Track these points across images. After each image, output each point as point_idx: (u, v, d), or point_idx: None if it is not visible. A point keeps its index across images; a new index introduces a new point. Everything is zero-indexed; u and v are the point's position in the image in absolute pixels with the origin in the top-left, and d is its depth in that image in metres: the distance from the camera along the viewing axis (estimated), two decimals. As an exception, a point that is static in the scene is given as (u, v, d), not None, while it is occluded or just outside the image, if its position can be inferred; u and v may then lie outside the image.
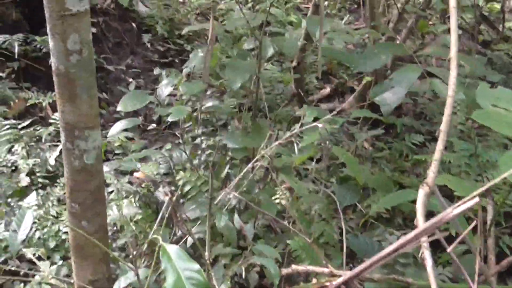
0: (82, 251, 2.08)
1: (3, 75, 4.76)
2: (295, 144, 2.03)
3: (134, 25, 5.66)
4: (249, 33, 4.29)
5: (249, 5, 6.12)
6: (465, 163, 3.53)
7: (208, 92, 2.40)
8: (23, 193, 3.98)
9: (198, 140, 2.71)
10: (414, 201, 2.32)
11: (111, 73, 5.33)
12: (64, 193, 3.84)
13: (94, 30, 5.33)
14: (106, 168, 2.79)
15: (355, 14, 6.55)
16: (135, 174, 3.07)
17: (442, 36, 4.52)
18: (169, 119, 2.26)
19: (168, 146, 3.22)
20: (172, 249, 1.32)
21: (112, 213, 2.70)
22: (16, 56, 4.76)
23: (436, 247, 2.38)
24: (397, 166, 3.97)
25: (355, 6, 6.59)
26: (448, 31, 4.79)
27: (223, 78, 2.36)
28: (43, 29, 5.19)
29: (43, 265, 2.25)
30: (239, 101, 2.42)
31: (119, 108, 2.38)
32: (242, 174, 2.37)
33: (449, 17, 4.99)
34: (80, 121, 1.87)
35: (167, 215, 1.67)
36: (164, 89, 2.58)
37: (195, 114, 2.51)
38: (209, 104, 2.36)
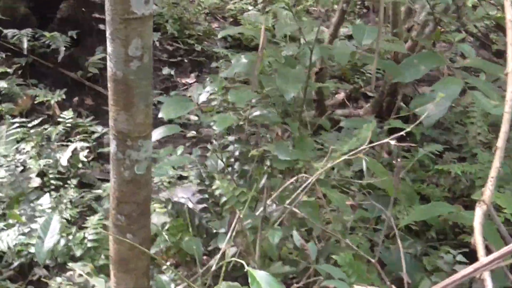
0: (126, 265, 1.98)
1: (11, 71, 4.61)
2: (363, 161, 1.95)
3: (142, 23, 5.52)
4: (287, 39, 4.20)
5: (259, 6, 6.03)
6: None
7: (253, 100, 2.32)
8: (31, 193, 3.85)
9: (231, 148, 2.62)
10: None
11: (119, 72, 5.20)
12: (77, 196, 3.75)
13: (102, 27, 5.21)
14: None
15: (365, 18, 6.49)
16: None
17: (458, 45, 4.42)
18: (215, 127, 2.17)
19: (197, 152, 3.13)
20: (261, 276, 1.24)
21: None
22: (25, 52, 4.62)
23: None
24: (417, 176, 3.91)
25: (365, 10, 6.53)
26: (463, 40, 4.76)
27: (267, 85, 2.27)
28: (51, 24, 5.06)
29: (98, 282, 2.14)
30: (280, 110, 2.34)
31: (161, 115, 2.27)
32: (286, 185, 2.29)
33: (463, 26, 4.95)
34: (134, 130, 1.77)
35: (234, 230, 1.58)
36: (201, 96, 2.49)
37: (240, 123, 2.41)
38: (257, 113, 2.27)
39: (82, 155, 4.03)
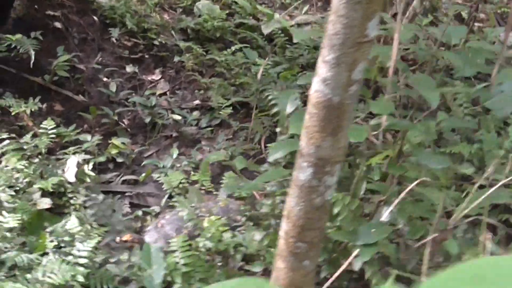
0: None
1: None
2: None
3: (96, 18, 5.17)
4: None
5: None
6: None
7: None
8: (40, 216, 3.52)
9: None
10: None
11: (83, 73, 4.82)
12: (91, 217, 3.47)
13: (59, 25, 4.81)
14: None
15: (306, 2, 6.56)
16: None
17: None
18: (352, 139, 2.11)
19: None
20: None
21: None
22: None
23: None
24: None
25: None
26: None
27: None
28: (4, 25, 4.55)
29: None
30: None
31: (291, 131, 2.15)
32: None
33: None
34: (335, 155, 1.70)
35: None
36: (289, 107, 2.40)
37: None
38: (394, 121, 2.23)
39: (87, 168, 3.72)
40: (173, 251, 2.61)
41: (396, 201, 2.29)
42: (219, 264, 2.68)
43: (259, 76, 4.42)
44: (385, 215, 2.27)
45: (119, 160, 4.27)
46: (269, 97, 3.15)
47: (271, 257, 2.37)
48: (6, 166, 3.73)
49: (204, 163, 2.66)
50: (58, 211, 3.59)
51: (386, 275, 2.32)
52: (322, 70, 1.59)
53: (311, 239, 1.85)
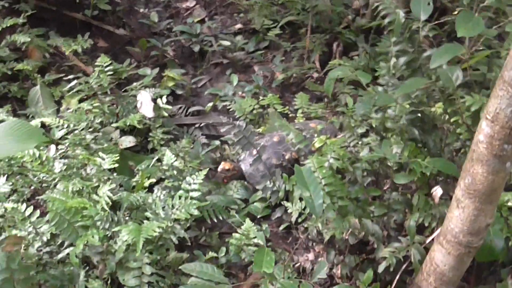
0: (494, 195, 1.89)
1: (21, 20, 3.82)
2: None
3: None
4: None
5: None
6: None
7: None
8: (123, 156, 3.36)
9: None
10: None
11: (119, 5, 4.56)
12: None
13: None
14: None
15: None
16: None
17: None
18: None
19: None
20: None
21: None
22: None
23: None
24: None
25: None
26: None
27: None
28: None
29: None
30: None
31: (460, 35, 2.03)
32: None
33: None
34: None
35: None
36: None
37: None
38: None
39: (161, 103, 3.58)
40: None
41: None
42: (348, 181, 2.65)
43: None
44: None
45: (178, 92, 4.12)
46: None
47: (420, 167, 2.34)
48: (76, 108, 3.56)
49: (328, 80, 2.54)
50: (137, 149, 3.48)
51: None
52: None
53: (518, 139, 1.82)
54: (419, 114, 2.63)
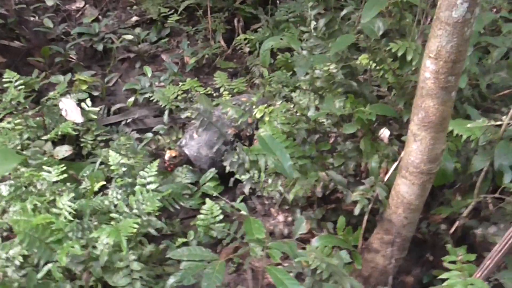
0: (444, 124, 2.13)
1: None
2: None
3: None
4: None
5: None
6: None
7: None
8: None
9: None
10: None
11: (7, 17, 4.36)
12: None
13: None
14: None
15: None
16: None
17: None
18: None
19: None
20: None
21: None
22: None
23: None
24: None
25: None
26: None
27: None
28: None
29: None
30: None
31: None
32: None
33: None
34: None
35: None
36: None
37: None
38: None
39: (86, 106, 3.53)
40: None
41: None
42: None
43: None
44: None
45: (94, 93, 4.07)
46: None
47: (364, 114, 2.56)
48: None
49: (263, 52, 2.64)
50: (71, 157, 3.42)
51: None
52: None
53: (459, 70, 2.08)
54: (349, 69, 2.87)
